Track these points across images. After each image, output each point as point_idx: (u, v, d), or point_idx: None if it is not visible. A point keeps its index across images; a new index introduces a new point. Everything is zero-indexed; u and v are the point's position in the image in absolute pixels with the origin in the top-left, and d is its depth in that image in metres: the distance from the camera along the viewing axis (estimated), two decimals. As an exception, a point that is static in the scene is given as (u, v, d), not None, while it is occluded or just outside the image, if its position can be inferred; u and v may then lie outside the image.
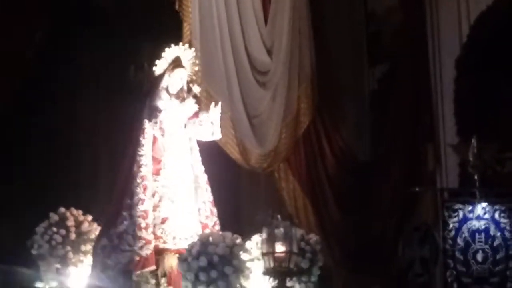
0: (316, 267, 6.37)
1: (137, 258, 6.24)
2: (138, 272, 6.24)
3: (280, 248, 5.83)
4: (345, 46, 8.67)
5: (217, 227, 6.68)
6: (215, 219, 6.72)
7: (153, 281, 6.34)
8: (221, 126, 7.16)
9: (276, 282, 5.86)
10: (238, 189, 8.24)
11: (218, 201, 6.87)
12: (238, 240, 6.08)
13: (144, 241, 6.29)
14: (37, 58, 7.76)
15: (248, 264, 6.05)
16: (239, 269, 5.92)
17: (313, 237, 6.47)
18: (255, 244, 6.26)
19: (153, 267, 6.32)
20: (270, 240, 5.81)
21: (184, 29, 7.76)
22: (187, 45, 7.00)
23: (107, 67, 8.25)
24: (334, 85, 8.43)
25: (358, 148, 8.33)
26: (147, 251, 6.27)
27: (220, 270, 5.84)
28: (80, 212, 6.89)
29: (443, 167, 7.71)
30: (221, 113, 6.94)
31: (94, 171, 8.16)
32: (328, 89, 8.36)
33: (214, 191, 6.85)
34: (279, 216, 5.96)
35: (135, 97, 7.13)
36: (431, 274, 6.44)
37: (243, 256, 6.01)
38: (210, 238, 6.02)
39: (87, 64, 8.27)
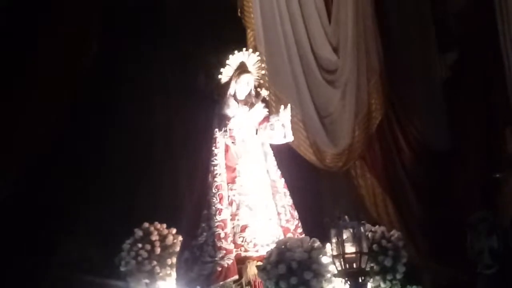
0: (401, 264, 6.24)
1: (219, 268, 6.20)
2: (221, 282, 6.19)
3: (350, 249, 5.74)
4: (413, 35, 8.50)
5: (299, 230, 6.61)
6: (296, 222, 6.64)
7: None
8: (293, 129, 7.14)
9: (349, 283, 5.76)
10: (319, 191, 8.20)
11: (299, 205, 6.79)
12: (317, 244, 5.97)
13: (224, 251, 6.25)
14: (100, 72, 7.86)
15: (329, 267, 5.92)
16: (319, 274, 5.80)
17: (395, 234, 6.34)
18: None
19: (235, 277, 6.26)
20: (339, 242, 5.74)
21: (248, 35, 7.76)
22: (250, 50, 6.94)
23: (175, 76, 8.32)
24: (404, 76, 8.31)
25: (434, 138, 8.16)
26: (228, 261, 6.23)
27: (300, 276, 5.74)
28: (164, 225, 6.89)
29: (523, 151, 7.48)
30: (292, 116, 6.89)
31: (174, 183, 8.21)
32: (399, 81, 8.24)
33: (294, 195, 6.77)
34: (346, 216, 5.85)
35: (205, 106, 7.16)
36: (500, 265, 6.23)
37: (323, 259, 5.89)
38: (287, 244, 5.92)
39: (156, 73, 8.34)
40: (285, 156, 7.18)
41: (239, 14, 7.80)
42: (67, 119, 7.55)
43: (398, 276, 6.23)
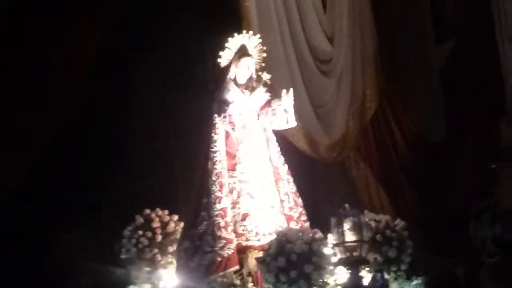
0: (406, 254, 6.06)
1: (219, 259, 6.03)
2: (222, 273, 6.01)
3: (350, 237, 5.67)
4: (409, 25, 8.48)
5: (303, 218, 6.41)
6: (300, 209, 6.43)
7: (238, 281, 6.05)
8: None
9: (350, 272, 5.68)
10: (314, 181, 8.13)
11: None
12: (318, 235, 5.77)
13: (224, 241, 6.06)
14: (102, 62, 7.78)
15: (331, 259, 5.73)
16: (320, 266, 5.63)
17: (400, 223, 6.17)
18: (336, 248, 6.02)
19: (236, 267, 6.09)
20: (339, 230, 5.66)
21: (243, 24, 7.64)
22: (251, 32, 6.66)
23: (172, 65, 8.24)
24: (400, 66, 8.27)
25: (430, 129, 8.13)
26: (229, 251, 6.06)
27: (300, 268, 5.59)
28: (166, 212, 6.71)
29: (519, 140, 7.46)
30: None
31: (175, 172, 8.10)
32: (395, 71, 8.20)
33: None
34: (346, 205, 5.77)
35: (205, 93, 7.00)
36: (504, 254, 6.20)
37: (325, 250, 5.69)
38: (287, 236, 5.75)
39: (156, 63, 8.28)
40: (280, 145, 7.10)
41: (234, 3, 7.72)
42: (70, 110, 7.46)
43: (403, 267, 6.06)
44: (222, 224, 6.13)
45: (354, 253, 5.65)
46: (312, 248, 5.64)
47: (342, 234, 5.66)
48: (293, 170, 6.84)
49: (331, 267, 5.70)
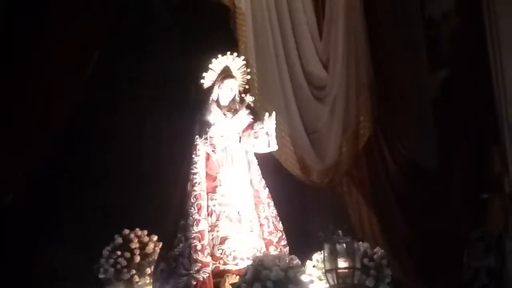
0: (383, 284, 6.03)
1: (194, 282, 5.98)
2: None
3: (342, 264, 5.67)
4: (403, 53, 8.51)
5: (283, 242, 6.40)
6: (280, 234, 6.41)
7: None
8: (280, 144, 7.06)
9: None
10: (303, 206, 8.16)
11: (284, 219, 6.67)
12: (295, 262, 5.71)
13: (200, 264, 6.01)
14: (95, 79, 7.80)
15: (308, 286, 5.66)
16: None
17: (378, 251, 6.13)
18: (315, 262, 6.09)
19: None
20: (333, 257, 5.67)
21: (239, 48, 7.65)
22: (235, 54, 6.61)
23: (166, 87, 8.26)
24: (394, 93, 8.32)
25: (422, 157, 8.16)
26: (204, 274, 5.99)
27: None
28: (145, 232, 6.72)
29: (510, 171, 7.47)
30: (279, 130, 6.77)
31: (159, 192, 8.09)
32: (388, 98, 8.25)
33: (278, 208, 6.59)
34: (340, 231, 5.79)
35: (189, 114, 7.00)
36: (497, 285, 6.20)
37: (302, 277, 5.61)
38: (264, 262, 5.67)
39: (147, 84, 8.29)
40: (271, 170, 7.12)
41: (231, 27, 7.77)
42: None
43: None
44: (199, 247, 6.08)
45: (347, 280, 5.64)
46: (288, 276, 5.57)
47: (335, 260, 5.66)
48: (284, 195, 6.88)
49: None
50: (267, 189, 6.53)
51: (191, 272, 6.01)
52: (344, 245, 5.69)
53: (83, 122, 7.84)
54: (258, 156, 6.62)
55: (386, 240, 7.72)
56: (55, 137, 7.48)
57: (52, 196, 7.61)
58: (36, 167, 7.33)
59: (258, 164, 6.62)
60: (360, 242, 6.21)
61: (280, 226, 6.46)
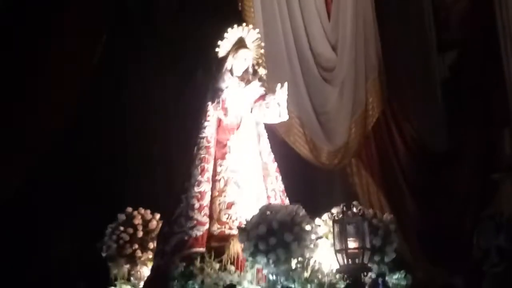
0: (390, 246, 5.88)
1: (186, 237, 5.97)
2: (186, 252, 5.90)
3: (352, 244, 5.65)
4: (413, 34, 8.47)
5: None
6: None
7: (217, 266, 5.89)
8: (289, 125, 7.05)
9: (351, 279, 5.65)
10: (315, 187, 8.13)
11: (293, 199, 6.67)
12: (302, 212, 5.62)
13: (195, 222, 5.98)
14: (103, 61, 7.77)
15: (312, 236, 5.60)
16: (301, 237, 5.49)
17: (387, 216, 6.00)
18: (324, 221, 6.00)
19: (201, 249, 5.97)
20: (342, 236, 5.64)
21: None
22: (251, 26, 6.62)
23: (175, 70, 8.24)
24: (403, 74, 8.28)
25: (432, 138, 8.13)
26: (198, 232, 5.98)
27: (279, 237, 5.45)
28: (148, 211, 6.66)
29: (521, 152, 7.48)
30: (289, 112, 6.71)
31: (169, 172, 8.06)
32: (398, 79, 8.21)
33: (288, 190, 6.52)
34: (350, 211, 5.74)
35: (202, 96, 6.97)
36: (508, 263, 6.19)
37: (307, 226, 5.56)
38: (270, 207, 5.68)
39: (155, 65, 8.27)
40: (281, 151, 7.10)
41: (239, 8, 7.73)
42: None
43: (387, 259, 5.87)
44: (197, 206, 6.07)
45: (356, 260, 5.62)
46: (294, 219, 5.56)
47: (345, 240, 5.63)
48: (293, 176, 6.85)
49: (312, 245, 5.61)
50: (275, 163, 6.50)
51: (184, 228, 6.00)
52: (354, 225, 5.65)
53: (92, 100, 7.78)
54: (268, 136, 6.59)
55: (395, 222, 7.68)
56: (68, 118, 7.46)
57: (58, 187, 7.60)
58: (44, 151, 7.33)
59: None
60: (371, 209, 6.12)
61: (286, 201, 6.41)
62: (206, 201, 6.12)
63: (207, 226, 6.08)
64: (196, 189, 6.13)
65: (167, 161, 7.96)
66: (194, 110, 6.71)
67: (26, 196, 7.29)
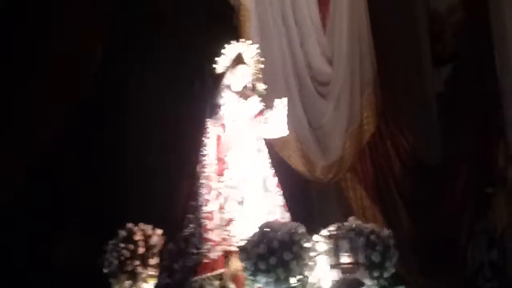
0: (389, 261, 5.86)
1: (206, 261, 6.07)
2: (206, 275, 6.04)
3: (346, 259, 5.67)
4: (408, 48, 8.49)
5: None
6: None
7: (217, 283, 6.09)
8: (284, 139, 7.05)
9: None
10: (309, 202, 8.15)
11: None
12: (301, 230, 5.70)
13: (211, 243, 6.12)
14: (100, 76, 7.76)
15: (311, 254, 5.68)
16: (300, 256, 5.57)
17: (385, 232, 5.98)
18: (322, 238, 5.97)
19: (222, 270, 6.10)
20: (336, 252, 5.67)
21: (243, 43, 7.69)
22: (249, 41, 6.73)
23: (171, 81, 8.23)
24: (398, 88, 8.27)
25: (426, 152, 8.14)
26: (216, 253, 6.12)
27: (279, 256, 5.51)
28: (150, 227, 6.67)
29: (515, 166, 7.47)
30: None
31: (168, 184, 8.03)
32: (392, 93, 8.20)
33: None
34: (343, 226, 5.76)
35: (200, 108, 6.98)
36: (501, 280, 6.19)
37: (305, 244, 5.65)
38: (270, 225, 5.74)
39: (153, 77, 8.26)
40: (276, 165, 7.10)
41: (234, 23, 7.76)
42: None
43: (386, 275, 5.85)
44: (209, 226, 6.15)
45: (350, 275, 5.63)
46: (293, 238, 5.61)
47: (338, 255, 5.65)
48: (288, 191, 6.86)
49: (311, 262, 5.66)
50: (276, 178, 6.55)
51: (203, 250, 6.09)
52: (348, 240, 5.67)
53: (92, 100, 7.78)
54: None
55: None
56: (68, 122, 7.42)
57: (54, 190, 7.58)
58: (39, 156, 7.31)
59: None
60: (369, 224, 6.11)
61: (287, 216, 6.46)
62: (216, 220, 6.20)
63: (223, 246, 6.16)
64: (205, 209, 6.22)
65: (166, 174, 7.95)
66: (193, 122, 6.76)
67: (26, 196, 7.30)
